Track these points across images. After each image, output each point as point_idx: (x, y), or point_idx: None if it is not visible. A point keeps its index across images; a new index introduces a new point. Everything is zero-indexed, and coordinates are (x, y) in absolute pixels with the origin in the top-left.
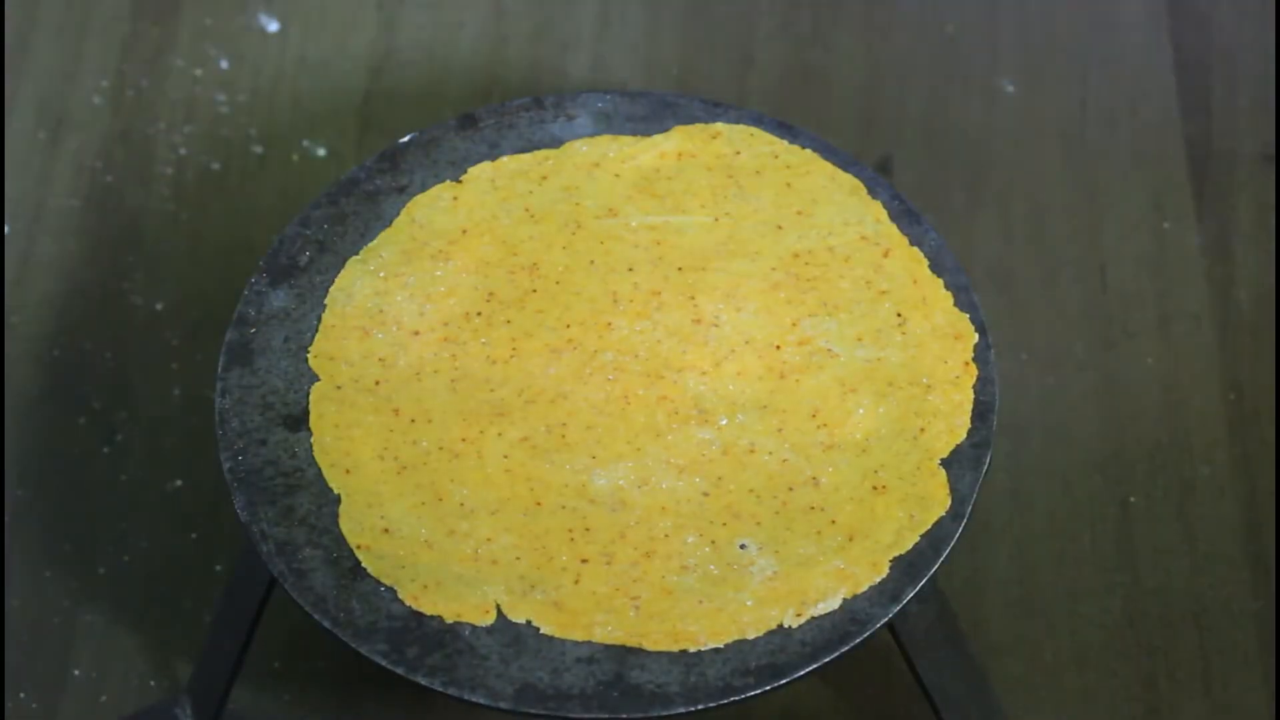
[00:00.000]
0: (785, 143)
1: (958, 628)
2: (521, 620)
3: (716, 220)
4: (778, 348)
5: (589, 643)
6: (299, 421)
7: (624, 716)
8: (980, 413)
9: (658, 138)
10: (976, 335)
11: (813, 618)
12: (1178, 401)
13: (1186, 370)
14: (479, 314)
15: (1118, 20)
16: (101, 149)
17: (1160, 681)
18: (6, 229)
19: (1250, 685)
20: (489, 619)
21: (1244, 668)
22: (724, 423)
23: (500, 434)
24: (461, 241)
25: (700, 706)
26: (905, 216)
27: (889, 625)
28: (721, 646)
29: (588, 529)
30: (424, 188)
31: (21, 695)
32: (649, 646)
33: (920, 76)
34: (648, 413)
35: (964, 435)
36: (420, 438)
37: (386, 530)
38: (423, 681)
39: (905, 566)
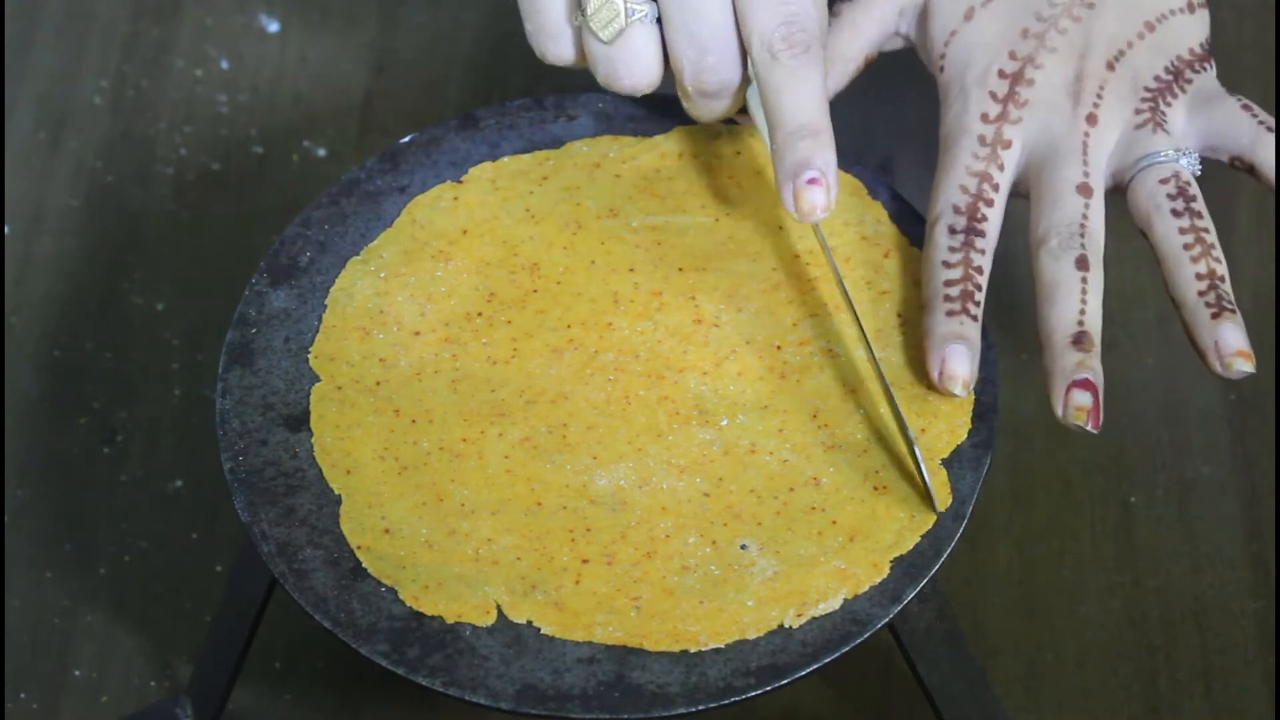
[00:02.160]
0: None
1: (958, 628)
2: (522, 620)
3: (717, 220)
4: (778, 348)
5: (590, 643)
6: (299, 422)
7: (625, 717)
8: (980, 413)
9: (658, 138)
10: None
11: (813, 618)
12: (1178, 401)
13: (1186, 370)
14: (480, 314)
15: None
16: (101, 149)
17: (1160, 681)
18: (6, 229)
19: (1250, 685)
20: (490, 619)
21: (1244, 668)
22: (725, 423)
23: (501, 434)
24: (462, 242)
25: (701, 707)
26: (906, 216)
27: (889, 625)
28: (722, 647)
29: (588, 529)
30: (424, 188)
31: (22, 695)
32: (650, 647)
33: (921, 76)
34: (648, 413)
35: (964, 435)
36: (421, 438)
37: (387, 530)
38: (423, 682)
39: (906, 566)
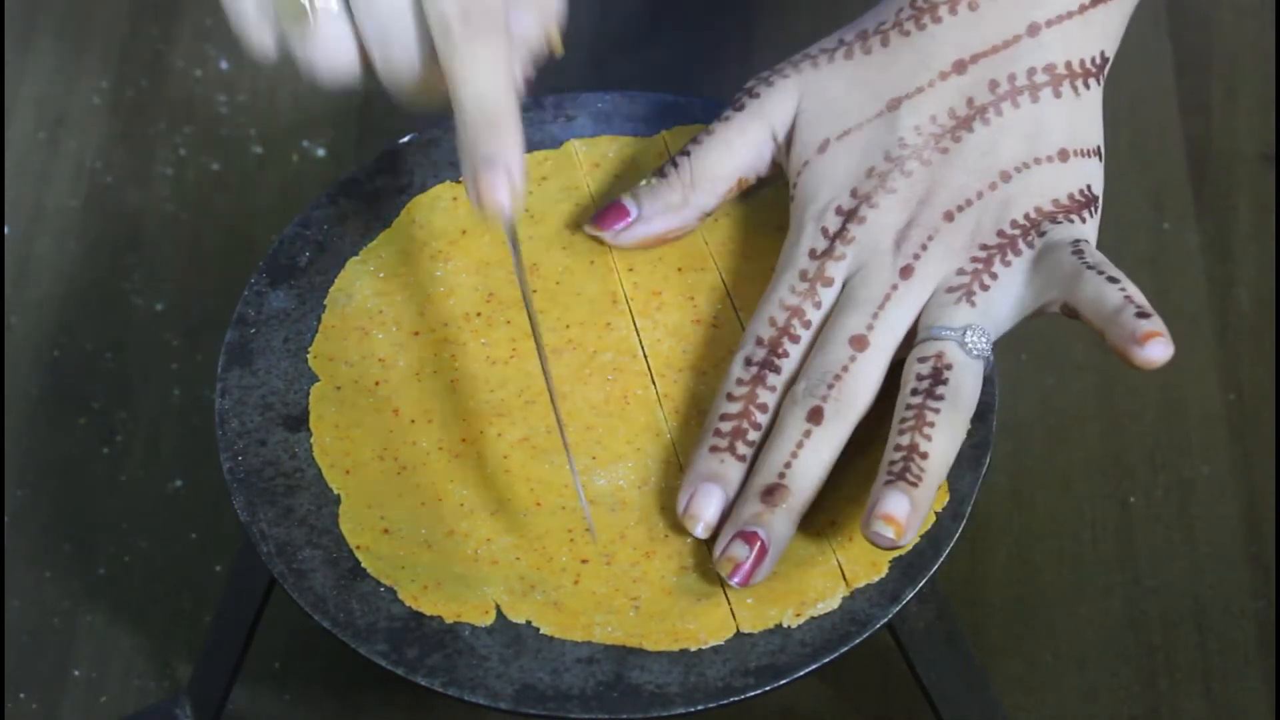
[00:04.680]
0: None
1: (957, 628)
2: (521, 620)
3: (716, 220)
4: None
5: (589, 643)
6: (299, 422)
7: (624, 717)
8: (980, 413)
9: (657, 138)
10: None
11: (812, 618)
12: (1178, 401)
13: (1186, 370)
14: (479, 314)
15: None
16: (101, 149)
17: (1160, 681)
18: (6, 229)
19: (1250, 685)
20: (489, 619)
21: (1244, 668)
22: None
23: (500, 434)
24: (461, 242)
25: (700, 707)
26: None
27: (889, 625)
28: (721, 646)
29: (587, 529)
30: (424, 188)
31: (21, 695)
32: (649, 646)
33: None
34: (648, 413)
35: (963, 436)
36: (420, 438)
37: (386, 530)
38: (422, 682)
39: (905, 566)
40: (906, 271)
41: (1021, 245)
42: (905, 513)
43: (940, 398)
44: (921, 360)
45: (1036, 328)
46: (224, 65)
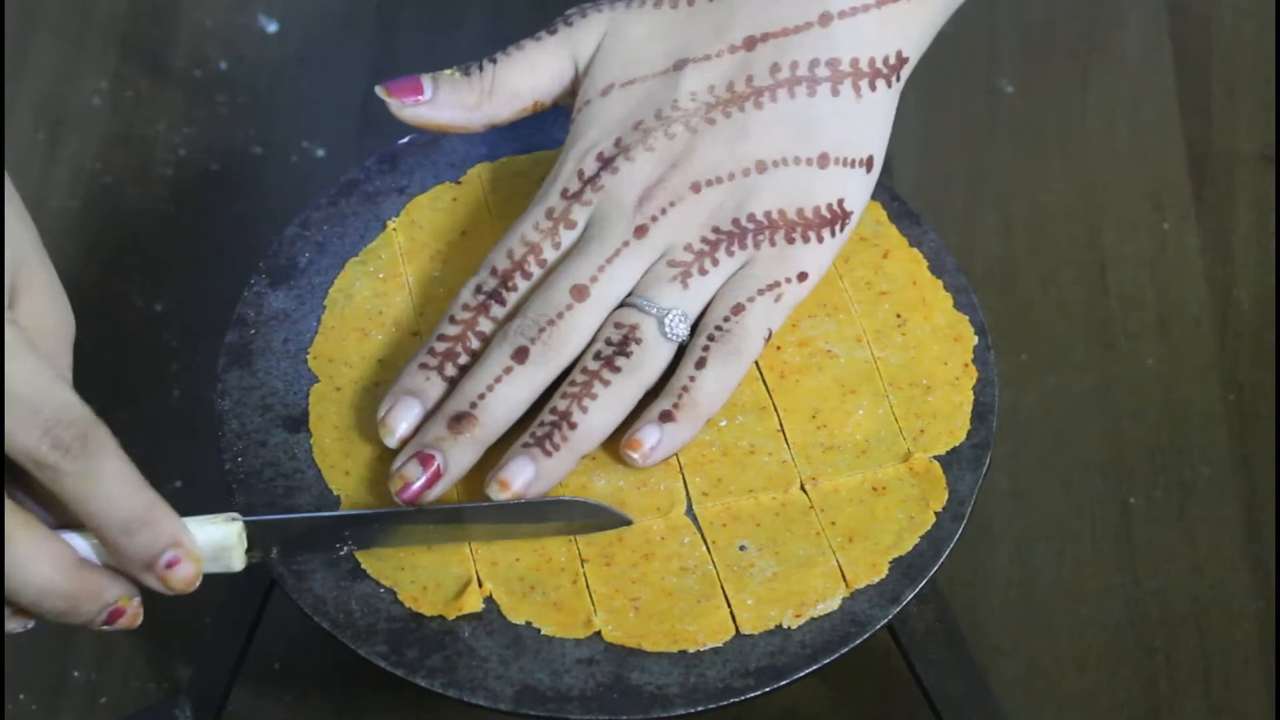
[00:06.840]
0: None
1: (957, 629)
2: (521, 621)
3: None
4: (778, 348)
5: (589, 644)
6: (298, 423)
7: (623, 718)
8: (980, 414)
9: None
10: (976, 337)
11: (812, 619)
12: (1178, 402)
13: (1186, 371)
14: None
15: (1118, 20)
16: (100, 150)
17: (1160, 681)
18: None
19: (1250, 685)
20: (477, 606)
21: (1244, 668)
22: (724, 424)
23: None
24: (460, 243)
25: (700, 708)
26: (905, 217)
27: (889, 626)
28: (721, 647)
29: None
30: (424, 188)
31: (21, 696)
32: (648, 647)
33: (920, 76)
34: None
35: (963, 436)
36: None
37: None
38: (422, 683)
39: (905, 567)
40: (641, 231)
41: (749, 243)
42: (524, 482)
43: (617, 369)
44: (617, 326)
45: (1037, 328)
46: (224, 65)
